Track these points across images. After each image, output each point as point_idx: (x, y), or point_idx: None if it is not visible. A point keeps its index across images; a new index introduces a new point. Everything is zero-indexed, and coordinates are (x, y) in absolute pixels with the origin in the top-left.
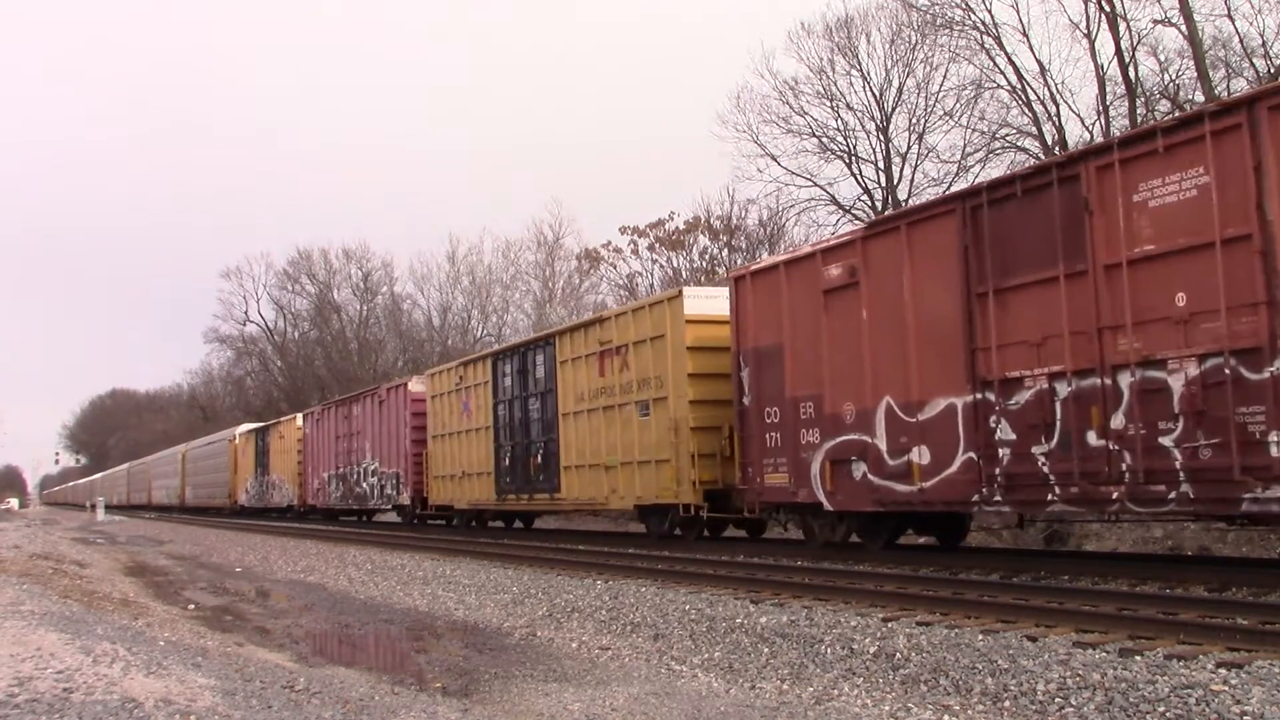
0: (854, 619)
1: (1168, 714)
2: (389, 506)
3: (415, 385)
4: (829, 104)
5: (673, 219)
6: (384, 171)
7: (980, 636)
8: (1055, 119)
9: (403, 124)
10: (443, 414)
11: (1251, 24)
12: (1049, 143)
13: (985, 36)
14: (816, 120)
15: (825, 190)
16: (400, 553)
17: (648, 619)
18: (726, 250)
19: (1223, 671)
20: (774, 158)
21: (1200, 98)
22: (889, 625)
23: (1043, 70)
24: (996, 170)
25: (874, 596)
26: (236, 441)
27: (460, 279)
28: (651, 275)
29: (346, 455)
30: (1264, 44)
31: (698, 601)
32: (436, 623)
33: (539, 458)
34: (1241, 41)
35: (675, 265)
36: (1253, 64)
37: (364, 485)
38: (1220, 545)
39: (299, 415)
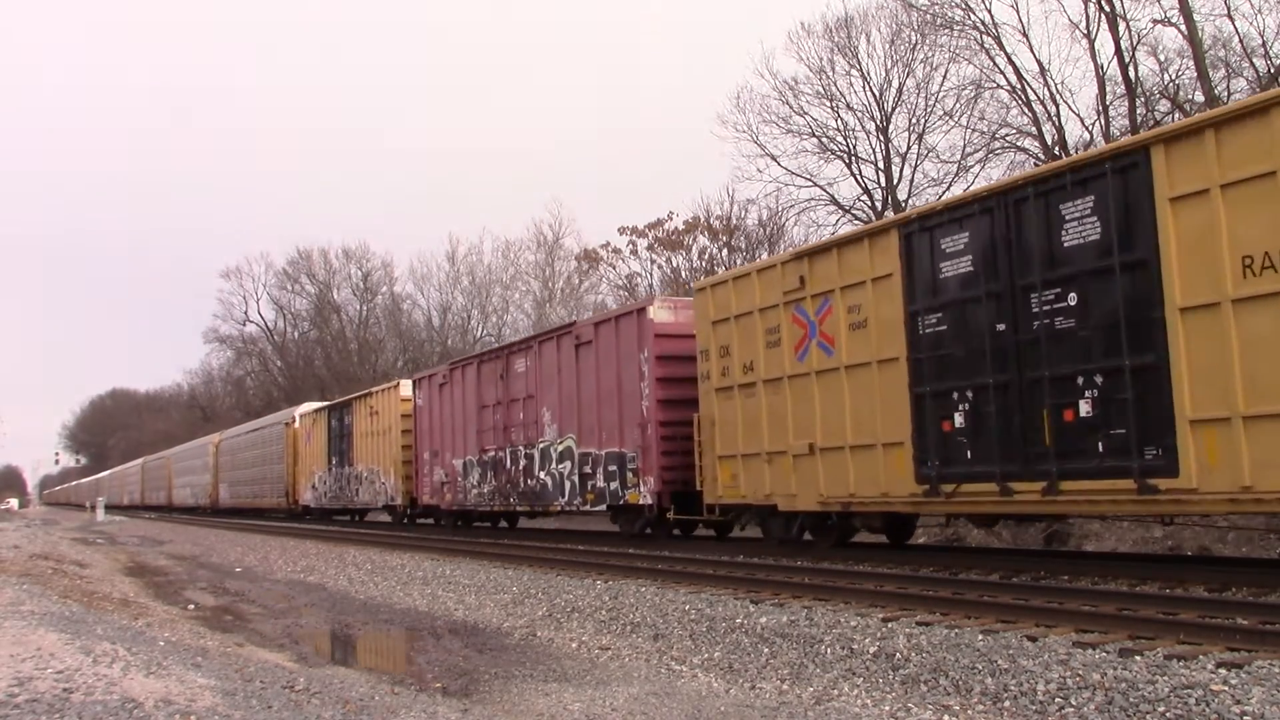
0: (854, 619)
1: (1168, 714)
2: (603, 508)
3: (659, 311)
4: (829, 104)
5: (672, 219)
6: (384, 172)
7: (980, 636)
8: (1055, 119)
9: (403, 124)
10: (746, 346)
11: (1251, 24)
12: (1049, 143)
13: (985, 36)
14: (816, 120)
15: (825, 190)
16: (399, 553)
17: (648, 619)
18: (726, 250)
19: (1223, 671)
20: (774, 158)
21: (1200, 97)
22: (889, 625)
23: (1042, 70)
24: (997, 171)
25: (874, 596)
26: (297, 425)
27: (460, 279)
28: (651, 276)
29: (501, 431)
30: (1264, 44)
31: (698, 601)
32: (436, 623)
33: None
34: (1241, 41)
35: (674, 265)
36: (1252, 64)
37: (541, 476)
38: (1220, 545)
39: (403, 382)
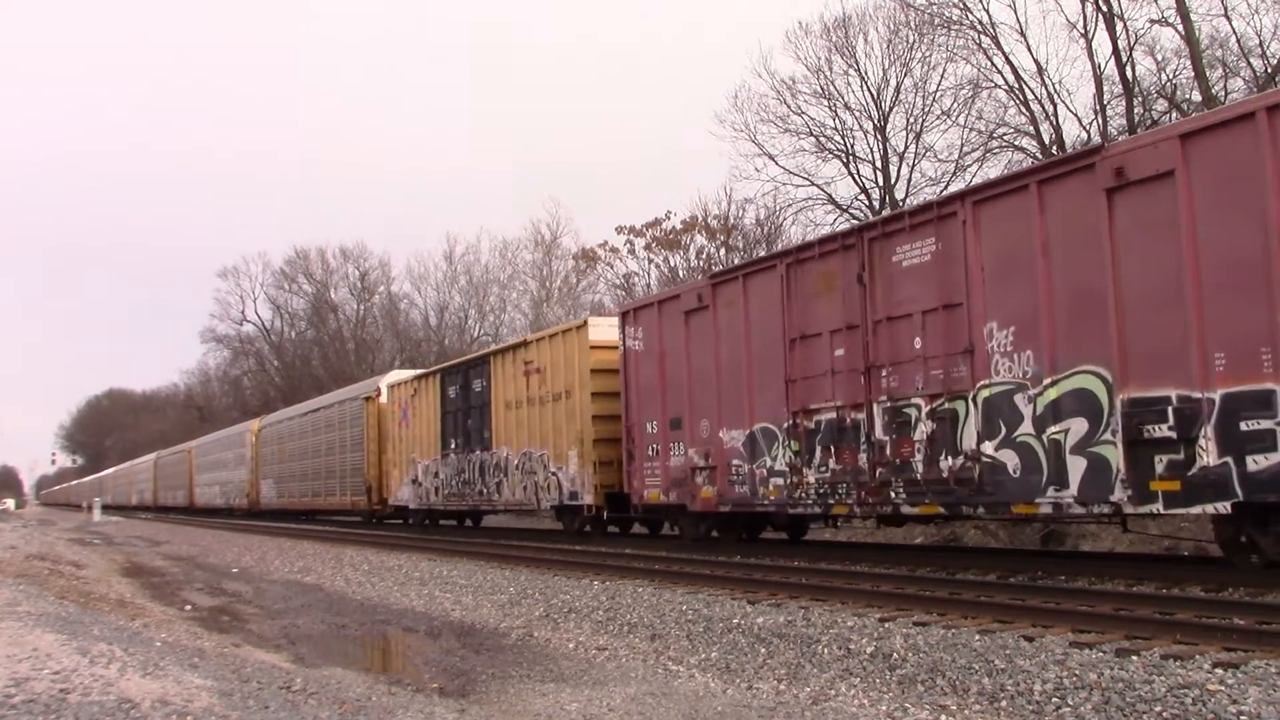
0: (851, 619)
1: (1164, 714)
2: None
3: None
4: (826, 103)
5: (669, 218)
6: (383, 172)
7: (977, 636)
8: (1053, 118)
9: (402, 124)
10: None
11: (1249, 23)
12: (1046, 142)
13: (983, 36)
14: (814, 120)
15: (822, 189)
16: (397, 553)
17: (645, 619)
18: (724, 250)
19: (1219, 671)
20: (771, 157)
21: (1197, 97)
22: (886, 625)
23: (1040, 70)
24: (994, 170)
25: (871, 597)
26: (383, 399)
27: (457, 278)
28: (648, 275)
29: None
30: (1260, 44)
31: (695, 602)
32: (433, 623)
33: None
34: (1239, 41)
35: (672, 265)
36: (1249, 64)
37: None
38: (1213, 546)
39: (595, 320)
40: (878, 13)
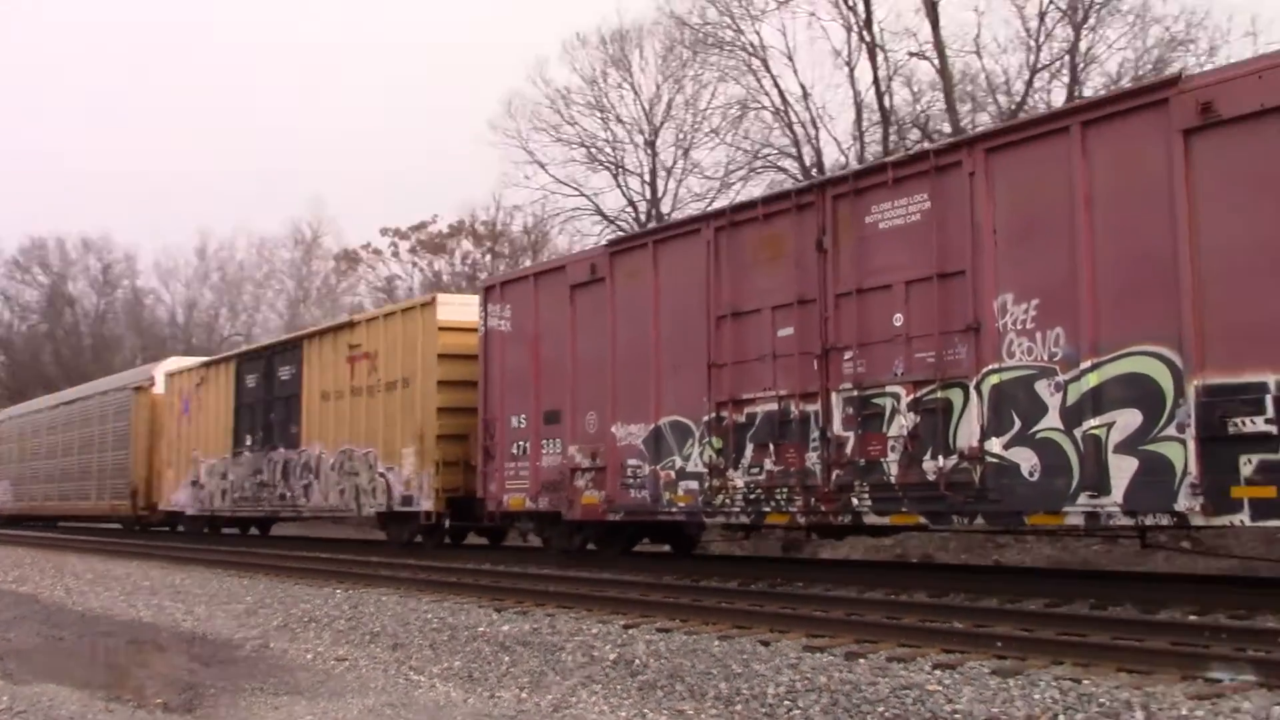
0: (596, 626)
1: (887, 714)
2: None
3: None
4: (599, 115)
5: (435, 221)
6: (130, 162)
7: (716, 642)
8: (814, 142)
9: (157, 110)
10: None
11: (997, 62)
12: (807, 164)
13: (753, 58)
14: (586, 130)
15: (591, 200)
16: (125, 561)
17: (388, 628)
18: (490, 256)
19: (938, 672)
20: (542, 165)
21: (948, 128)
22: (629, 632)
23: (805, 94)
24: (758, 188)
25: (616, 604)
26: (157, 389)
27: (209, 275)
28: (412, 279)
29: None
30: (1006, 81)
31: (440, 610)
32: (161, 635)
33: None
34: (987, 78)
35: (436, 269)
36: (996, 100)
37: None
38: (942, 553)
39: (444, 298)
40: (655, 28)
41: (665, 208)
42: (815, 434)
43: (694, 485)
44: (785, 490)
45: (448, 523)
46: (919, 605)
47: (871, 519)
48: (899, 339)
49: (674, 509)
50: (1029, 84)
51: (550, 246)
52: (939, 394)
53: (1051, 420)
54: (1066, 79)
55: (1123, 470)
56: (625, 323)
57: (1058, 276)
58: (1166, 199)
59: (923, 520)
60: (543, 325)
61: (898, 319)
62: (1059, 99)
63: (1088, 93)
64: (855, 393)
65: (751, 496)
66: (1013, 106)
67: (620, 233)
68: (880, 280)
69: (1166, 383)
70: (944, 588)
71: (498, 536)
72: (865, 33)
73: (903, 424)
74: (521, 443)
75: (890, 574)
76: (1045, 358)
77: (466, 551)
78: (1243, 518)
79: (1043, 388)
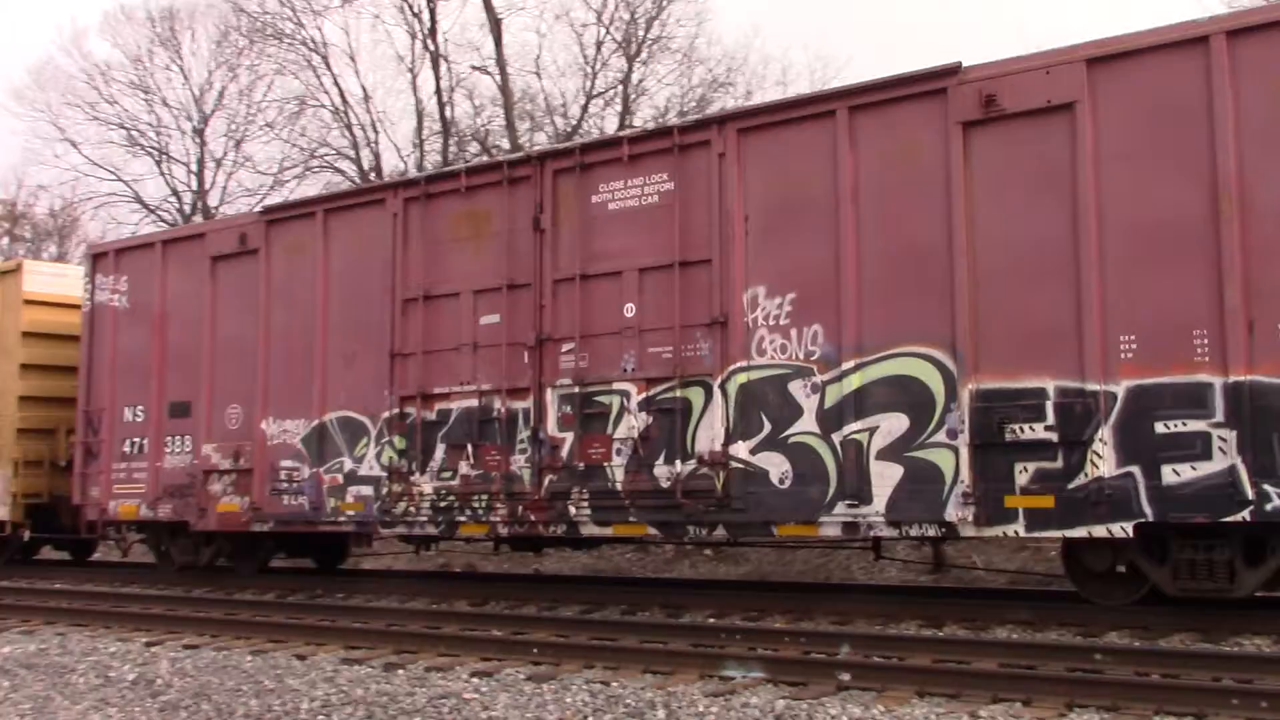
0: (114, 645)
1: None
2: None
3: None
4: (143, 96)
5: None
6: None
7: (249, 657)
8: (374, 145)
9: None
10: None
11: (556, 84)
12: (365, 167)
13: (314, 55)
14: (128, 111)
15: (130, 186)
16: None
17: None
18: (8, 239)
19: (475, 680)
20: (74, 144)
21: (506, 144)
22: (152, 650)
23: (366, 96)
24: (313, 187)
25: (139, 620)
26: None
27: None
28: None
29: None
30: (564, 104)
31: None
32: None
33: None
34: (546, 99)
35: None
36: (553, 121)
37: None
38: (485, 563)
39: (37, 264)
40: (209, 11)
41: (213, 200)
42: (524, 435)
43: (368, 491)
44: (485, 497)
45: (27, 535)
46: (460, 614)
47: (591, 530)
48: (630, 331)
49: (341, 518)
50: (585, 108)
51: (80, 233)
52: (677, 393)
53: (807, 424)
54: (620, 107)
55: (886, 478)
56: (284, 303)
57: (818, 270)
58: (943, 193)
59: (652, 531)
60: (172, 302)
61: (629, 309)
62: (612, 126)
63: (637, 123)
64: (576, 389)
65: (442, 504)
66: (569, 129)
67: (176, 222)
68: (609, 266)
69: (937, 386)
70: (486, 596)
71: (83, 550)
72: (430, 41)
73: (632, 425)
74: (137, 440)
75: (433, 583)
76: (801, 356)
77: (40, 569)
78: (1017, 528)
79: (798, 388)
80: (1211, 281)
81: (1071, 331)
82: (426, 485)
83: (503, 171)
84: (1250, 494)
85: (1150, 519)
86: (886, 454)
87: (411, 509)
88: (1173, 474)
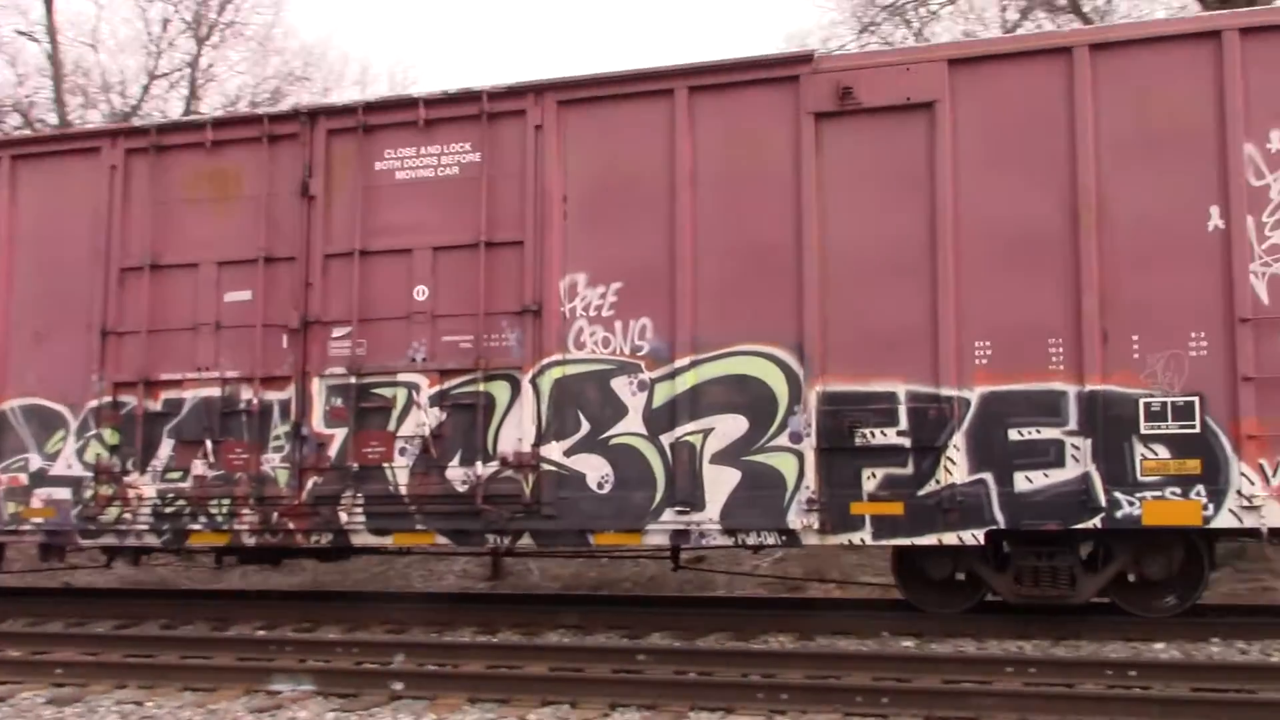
0: None
1: None
2: None
3: None
4: None
5: None
6: None
7: None
8: None
9: None
10: None
11: (115, 60)
12: None
13: None
14: None
15: None
16: None
17: None
18: None
19: None
20: None
21: (55, 118)
22: None
23: None
24: None
25: None
26: None
27: None
28: None
29: None
30: (123, 82)
31: None
32: None
33: None
34: (103, 75)
35: None
36: (109, 99)
37: None
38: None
39: None
40: None
41: None
42: (281, 430)
43: (65, 494)
44: (228, 502)
45: None
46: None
47: (366, 539)
48: (422, 317)
49: (25, 527)
50: (146, 89)
51: None
52: (480, 386)
53: (632, 424)
54: (186, 91)
55: (722, 483)
56: None
57: (649, 260)
58: (792, 186)
59: (442, 540)
60: None
61: (421, 292)
62: (176, 110)
63: (204, 109)
64: (351, 380)
65: (169, 510)
66: (128, 109)
67: None
68: (396, 242)
69: (780, 387)
70: (4, 614)
71: None
72: None
73: (422, 421)
74: None
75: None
76: (627, 351)
77: None
78: (864, 536)
79: (622, 386)
80: (1069, 291)
81: (926, 335)
82: (148, 487)
83: (262, 126)
84: (1103, 501)
85: (1002, 526)
86: (722, 457)
87: (127, 515)
88: (1025, 481)
